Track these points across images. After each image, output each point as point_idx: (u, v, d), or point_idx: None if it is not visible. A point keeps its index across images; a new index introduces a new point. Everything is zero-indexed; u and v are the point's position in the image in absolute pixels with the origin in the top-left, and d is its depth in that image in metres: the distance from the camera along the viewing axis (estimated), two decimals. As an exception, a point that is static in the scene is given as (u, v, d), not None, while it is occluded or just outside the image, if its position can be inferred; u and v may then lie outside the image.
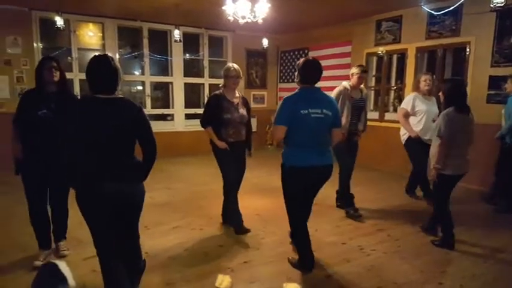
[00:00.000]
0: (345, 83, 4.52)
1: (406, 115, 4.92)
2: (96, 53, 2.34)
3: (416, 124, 4.83)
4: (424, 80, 4.86)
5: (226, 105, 3.83)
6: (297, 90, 3.03)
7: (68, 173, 2.45)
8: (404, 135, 5.02)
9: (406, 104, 4.95)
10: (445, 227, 3.65)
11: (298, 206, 3.12)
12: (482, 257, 3.44)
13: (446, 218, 3.64)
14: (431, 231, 3.89)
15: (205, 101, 4.05)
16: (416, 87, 5.01)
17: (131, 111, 2.27)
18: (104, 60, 2.26)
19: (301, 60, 3.07)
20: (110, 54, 2.39)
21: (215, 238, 3.84)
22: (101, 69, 2.23)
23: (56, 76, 3.08)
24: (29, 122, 3.03)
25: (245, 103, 4.03)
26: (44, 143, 2.99)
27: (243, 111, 3.95)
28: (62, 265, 1.00)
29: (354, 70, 4.52)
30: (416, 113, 4.85)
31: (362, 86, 4.62)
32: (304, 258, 3.12)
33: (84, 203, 2.26)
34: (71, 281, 0.99)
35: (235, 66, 3.92)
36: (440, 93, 3.70)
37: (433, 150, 3.56)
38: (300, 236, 3.16)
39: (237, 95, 3.98)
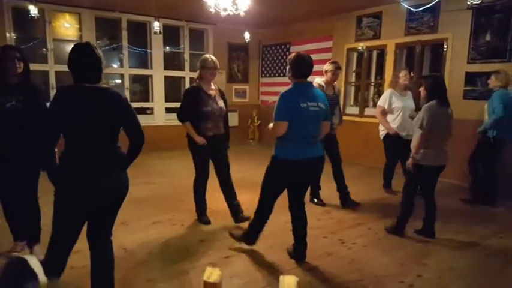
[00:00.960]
0: (319, 80, 4.51)
1: (383, 112, 5.06)
2: (73, 44, 2.23)
3: (394, 121, 4.98)
4: (404, 75, 4.99)
5: (204, 98, 3.76)
6: (292, 85, 3.02)
7: (48, 165, 2.34)
8: (382, 131, 5.17)
9: (383, 101, 5.07)
10: (402, 215, 3.79)
11: (276, 195, 3.19)
12: (460, 249, 3.53)
13: (407, 206, 3.76)
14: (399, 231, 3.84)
15: (183, 94, 3.94)
16: (394, 83, 5.12)
17: (118, 100, 2.22)
18: (87, 48, 2.16)
19: (293, 55, 3.07)
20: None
21: (196, 233, 3.80)
22: (84, 58, 2.13)
23: (20, 67, 2.86)
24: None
25: (222, 95, 3.97)
26: (12, 138, 2.84)
27: (221, 103, 3.88)
28: (32, 260, 0.95)
29: (328, 67, 4.53)
30: (394, 110, 4.98)
31: (334, 82, 4.70)
32: (255, 234, 3.35)
33: (67, 195, 2.15)
34: (41, 277, 0.93)
35: (213, 57, 3.85)
36: (421, 89, 3.76)
37: (414, 142, 3.64)
38: (264, 216, 3.29)
39: (213, 87, 3.91)
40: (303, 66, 3.00)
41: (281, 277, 0.60)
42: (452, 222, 4.18)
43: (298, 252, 3.24)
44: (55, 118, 2.17)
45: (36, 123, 2.79)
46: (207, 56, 3.89)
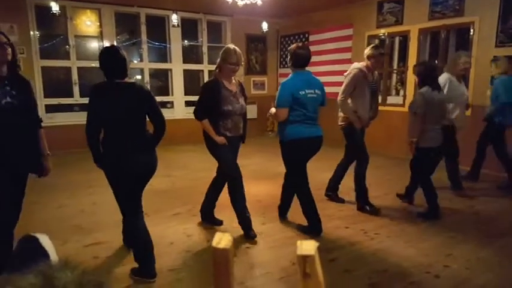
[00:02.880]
0: (359, 65, 4.02)
1: None
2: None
3: (452, 111, 4.35)
4: (464, 62, 4.43)
5: (225, 95, 3.30)
6: (292, 75, 3.41)
7: (95, 154, 2.67)
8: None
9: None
10: (430, 198, 3.91)
11: (302, 172, 3.52)
12: (488, 239, 3.41)
13: (429, 189, 3.91)
14: (408, 198, 4.31)
15: (201, 89, 3.48)
16: (452, 68, 4.48)
17: (144, 92, 2.70)
18: (114, 50, 2.64)
19: (293, 46, 3.42)
20: (115, 43, 2.46)
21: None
22: (112, 59, 2.60)
23: (9, 54, 2.38)
24: None
25: (242, 90, 3.53)
26: (9, 141, 2.38)
27: (242, 101, 3.46)
28: (44, 239, 0.95)
29: (370, 51, 4.00)
30: (451, 98, 4.29)
31: None
32: (313, 221, 3.50)
33: (116, 173, 2.65)
34: (53, 255, 0.93)
35: (237, 50, 3.32)
36: (415, 76, 4.05)
37: (410, 127, 3.93)
38: (306, 197, 3.53)
39: (233, 81, 3.45)
40: (302, 57, 3.38)
41: (299, 242, 0.58)
42: (478, 212, 4.04)
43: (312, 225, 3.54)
44: (96, 111, 2.58)
45: (33, 123, 2.56)
46: (231, 47, 3.32)
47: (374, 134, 6.66)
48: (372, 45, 4.17)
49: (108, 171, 2.66)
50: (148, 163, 2.71)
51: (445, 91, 4.19)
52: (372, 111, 4.23)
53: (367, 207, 4.09)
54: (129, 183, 2.66)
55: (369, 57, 4.02)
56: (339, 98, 4.02)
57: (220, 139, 3.34)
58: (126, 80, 2.65)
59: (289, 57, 3.43)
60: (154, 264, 2.74)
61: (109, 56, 2.62)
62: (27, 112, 2.49)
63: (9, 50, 2.39)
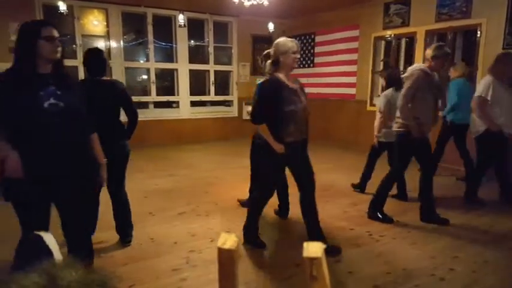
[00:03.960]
0: (421, 66, 3.69)
1: (484, 104, 4.08)
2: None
3: (498, 116, 4.06)
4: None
5: (286, 94, 2.92)
6: (269, 77, 3.14)
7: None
8: (480, 126, 4.17)
9: (484, 90, 4.09)
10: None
11: (279, 175, 3.35)
12: (495, 242, 3.37)
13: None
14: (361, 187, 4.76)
15: (258, 89, 3.12)
16: (495, 70, 4.12)
17: (120, 88, 3.15)
18: (97, 51, 3.13)
19: (266, 51, 3.57)
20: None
21: (221, 223, 3.80)
22: (97, 59, 3.04)
23: (59, 51, 2.11)
24: (29, 120, 2.03)
25: (303, 88, 3.13)
26: (55, 149, 2.08)
27: (304, 99, 3.06)
28: (48, 237, 0.95)
29: (435, 52, 3.62)
30: (495, 101, 4.03)
31: None
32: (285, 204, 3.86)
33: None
34: (56, 254, 0.93)
35: (290, 39, 3.04)
36: (383, 79, 4.46)
37: (376, 124, 4.43)
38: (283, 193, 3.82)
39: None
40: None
41: (305, 244, 0.58)
42: (484, 214, 4.01)
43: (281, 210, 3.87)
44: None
45: (83, 127, 2.25)
46: (286, 38, 3.05)
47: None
48: (435, 45, 3.73)
49: None
50: (122, 149, 3.11)
51: (489, 94, 4.02)
52: (433, 117, 3.81)
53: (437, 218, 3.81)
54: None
55: (432, 58, 3.63)
56: (398, 102, 3.69)
57: (278, 147, 2.92)
58: (105, 77, 3.10)
59: (267, 63, 3.26)
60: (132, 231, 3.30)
61: (94, 56, 3.04)
62: (76, 115, 2.17)
63: (60, 47, 2.12)
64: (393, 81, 4.37)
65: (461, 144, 5.16)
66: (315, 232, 3.10)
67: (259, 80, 3.51)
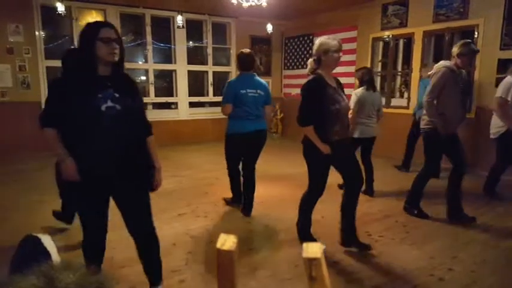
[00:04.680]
0: (448, 64, 3.66)
1: (505, 105, 4.16)
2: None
3: None
4: None
5: (330, 93, 2.92)
6: (237, 76, 4.02)
7: None
8: (501, 127, 4.26)
9: (504, 91, 4.16)
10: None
11: (235, 162, 4.11)
12: (494, 242, 3.38)
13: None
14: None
15: (303, 90, 2.98)
16: None
17: None
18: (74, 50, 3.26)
19: (239, 53, 4.03)
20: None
21: (220, 225, 3.80)
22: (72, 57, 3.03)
23: (117, 54, 2.03)
24: (89, 121, 1.99)
25: (341, 86, 3.15)
26: (113, 153, 2.06)
27: (345, 98, 3.08)
28: (46, 239, 0.94)
29: (461, 49, 3.59)
30: None
31: None
32: (237, 196, 4.23)
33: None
34: (55, 256, 0.93)
35: (333, 37, 3.01)
36: (356, 79, 4.82)
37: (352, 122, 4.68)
38: (235, 178, 4.22)
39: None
40: (244, 62, 3.94)
41: (304, 245, 0.57)
42: (485, 213, 4.01)
43: (244, 206, 4.06)
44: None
45: (141, 131, 2.23)
46: (328, 37, 3.00)
47: (378, 137, 6.66)
48: (461, 42, 3.66)
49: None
50: None
51: (509, 95, 4.10)
52: (460, 114, 3.78)
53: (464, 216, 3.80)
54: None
55: (458, 56, 3.60)
56: (425, 99, 3.68)
57: (325, 147, 2.90)
58: None
59: (237, 62, 4.04)
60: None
61: (71, 55, 3.15)
62: (134, 118, 2.14)
63: (118, 48, 2.04)
64: (365, 81, 4.68)
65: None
66: (350, 230, 3.18)
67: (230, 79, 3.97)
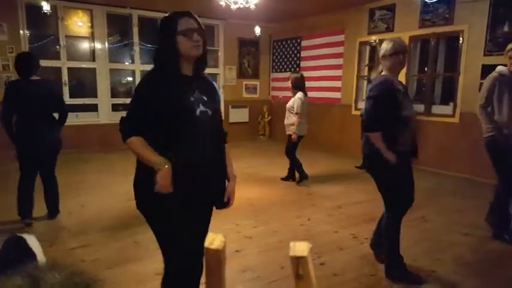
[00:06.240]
0: (501, 69, 3.45)
1: None
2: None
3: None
4: None
5: (402, 97, 2.64)
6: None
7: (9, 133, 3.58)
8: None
9: None
10: (295, 169, 5.40)
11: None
12: (475, 244, 3.44)
13: (297, 164, 5.32)
14: (291, 178, 5.37)
15: (374, 94, 2.68)
16: None
17: (49, 87, 3.76)
18: (27, 55, 3.94)
19: None
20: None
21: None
22: (25, 62, 3.60)
23: (199, 46, 1.77)
24: (183, 129, 1.74)
25: (406, 90, 2.91)
26: (208, 162, 1.82)
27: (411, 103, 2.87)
28: (31, 239, 0.93)
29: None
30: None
31: None
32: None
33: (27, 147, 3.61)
34: (40, 257, 0.91)
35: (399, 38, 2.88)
36: (290, 83, 5.33)
37: (289, 122, 5.29)
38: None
39: None
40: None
41: (291, 243, 0.58)
42: (469, 216, 4.09)
43: None
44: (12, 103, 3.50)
45: (222, 138, 1.98)
46: (395, 38, 2.83)
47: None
48: None
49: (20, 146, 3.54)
50: (53, 140, 3.67)
51: None
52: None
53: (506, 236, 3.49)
54: (38, 153, 3.60)
55: (511, 58, 3.37)
56: (478, 104, 3.48)
57: (391, 156, 2.59)
58: (34, 77, 3.59)
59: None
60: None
61: (23, 59, 3.61)
62: (219, 124, 1.93)
63: (201, 40, 1.77)
64: (301, 86, 5.30)
65: None
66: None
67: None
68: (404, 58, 2.69)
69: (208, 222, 2.00)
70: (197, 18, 1.79)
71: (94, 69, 7.72)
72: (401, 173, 2.68)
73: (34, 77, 3.59)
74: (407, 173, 2.76)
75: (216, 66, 9.28)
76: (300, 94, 5.22)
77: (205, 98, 1.80)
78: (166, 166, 1.65)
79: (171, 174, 1.66)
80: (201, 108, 1.76)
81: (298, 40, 8.86)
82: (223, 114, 8.47)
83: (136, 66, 8.18)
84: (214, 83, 2.00)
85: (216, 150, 1.88)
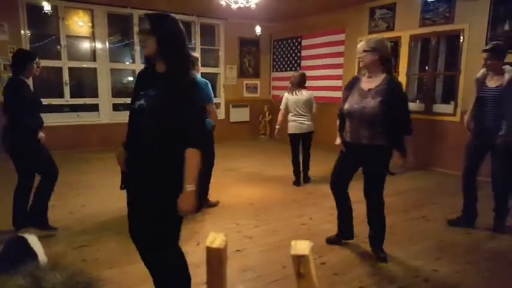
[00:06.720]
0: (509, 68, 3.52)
1: None
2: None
3: None
4: None
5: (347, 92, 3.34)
6: (200, 76, 4.03)
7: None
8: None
9: None
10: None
11: None
12: (476, 244, 3.44)
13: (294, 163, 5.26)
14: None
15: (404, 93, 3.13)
16: None
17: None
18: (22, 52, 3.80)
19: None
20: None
21: (207, 227, 3.79)
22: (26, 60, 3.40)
23: (146, 47, 2.02)
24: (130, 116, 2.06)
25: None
26: None
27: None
28: (32, 239, 0.93)
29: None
30: None
31: (507, 70, 3.48)
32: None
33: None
34: (42, 257, 0.92)
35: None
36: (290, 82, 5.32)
37: (280, 119, 5.36)
38: None
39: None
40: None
41: (293, 242, 0.58)
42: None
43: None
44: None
45: None
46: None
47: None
48: None
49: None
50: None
51: None
52: (505, 123, 3.39)
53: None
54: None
55: None
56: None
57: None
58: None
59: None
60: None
61: (24, 57, 3.42)
62: (165, 120, 1.98)
63: (145, 42, 1.98)
64: (295, 83, 5.31)
65: None
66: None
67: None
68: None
69: (138, 227, 2.07)
70: (149, 19, 1.95)
71: (95, 69, 7.72)
72: None
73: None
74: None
75: (216, 65, 9.28)
76: (287, 93, 5.30)
77: (151, 94, 1.88)
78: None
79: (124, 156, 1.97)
80: (141, 101, 1.89)
81: (299, 39, 8.85)
82: (223, 114, 8.42)
83: (137, 66, 8.17)
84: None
85: (153, 148, 1.88)
